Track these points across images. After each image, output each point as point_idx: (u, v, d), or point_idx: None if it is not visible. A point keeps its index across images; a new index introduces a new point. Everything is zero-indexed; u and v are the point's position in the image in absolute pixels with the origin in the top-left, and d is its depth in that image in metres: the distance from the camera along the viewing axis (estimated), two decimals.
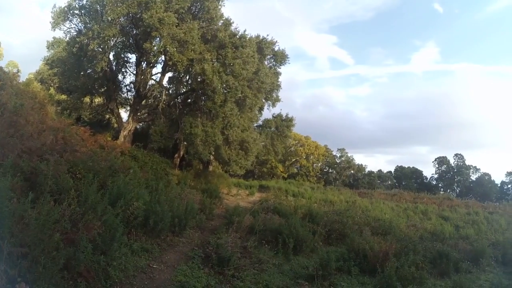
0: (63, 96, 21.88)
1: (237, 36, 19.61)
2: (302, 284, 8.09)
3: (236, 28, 20.10)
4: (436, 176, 60.69)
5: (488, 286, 9.45)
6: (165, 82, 21.77)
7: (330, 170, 55.12)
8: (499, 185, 56.15)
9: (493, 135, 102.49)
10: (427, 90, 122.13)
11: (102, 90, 21.09)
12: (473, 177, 57.99)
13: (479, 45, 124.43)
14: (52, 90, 23.19)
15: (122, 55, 20.83)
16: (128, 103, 22.39)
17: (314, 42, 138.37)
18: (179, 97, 22.10)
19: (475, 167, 58.35)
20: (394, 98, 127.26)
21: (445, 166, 59.50)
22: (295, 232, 11.06)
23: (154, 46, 17.30)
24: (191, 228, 10.85)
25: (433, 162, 61.33)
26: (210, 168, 24.72)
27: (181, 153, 22.45)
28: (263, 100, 25.48)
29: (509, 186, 56.25)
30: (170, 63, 18.08)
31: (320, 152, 50.21)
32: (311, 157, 49.14)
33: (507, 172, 56.75)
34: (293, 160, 47.37)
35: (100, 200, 6.71)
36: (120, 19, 17.25)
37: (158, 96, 20.37)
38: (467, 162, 58.81)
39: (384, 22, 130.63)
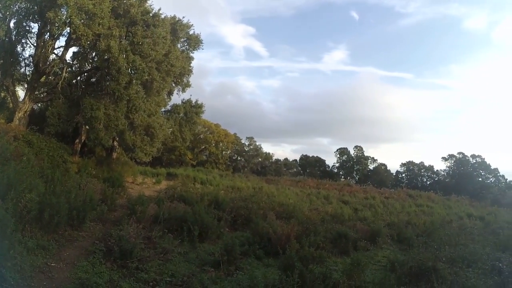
0: None
1: (150, 14, 18.75)
2: (208, 271, 8.44)
3: (150, 6, 19.18)
4: (337, 165, 66.11)
5: (385, 262, 10.59)
6: (68, 58, 19.66)
7: (239, 158, 56.52)
8: (394, 174, 64.01)
9: (389, 131, 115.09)
10: (333, 88, 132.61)
11: None
12: (371, 166, 64.77)
13: (384, 53, 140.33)
14: None
15: (24, 23, 18.04)
16: (26, 80, 19.76)
17: (231, 31, 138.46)
18: (82, 75, 20.19)
19: (372, 158, 65.27)
20: (300, 93, 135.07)
21: (346, 156, 65.18)
22: (200, 220, 11.36)
23: (58, 16, 15.53)
24: (91, 220, 10.43)
25: (335, 152, 66.73)
26: (114, 155, 23.43)
27: (82, 138, 20.72)
28: (173, 85, 24.95)
29: (403, 175, 64.49)
30: (74, 36, 16.54)
31: (229, 140, 50.88)
32: (221, 144, 49.50)
33: (402, 163, 65.29)
34: (202, 147, 47.28)
35: None
36: None
37: (59, 73, 18.40)
38: (366, 154, 65.44)
39: (302, 21, 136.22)
